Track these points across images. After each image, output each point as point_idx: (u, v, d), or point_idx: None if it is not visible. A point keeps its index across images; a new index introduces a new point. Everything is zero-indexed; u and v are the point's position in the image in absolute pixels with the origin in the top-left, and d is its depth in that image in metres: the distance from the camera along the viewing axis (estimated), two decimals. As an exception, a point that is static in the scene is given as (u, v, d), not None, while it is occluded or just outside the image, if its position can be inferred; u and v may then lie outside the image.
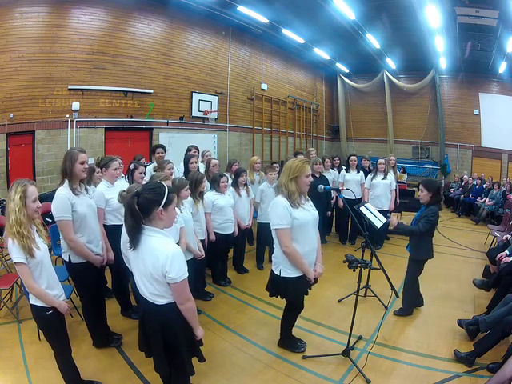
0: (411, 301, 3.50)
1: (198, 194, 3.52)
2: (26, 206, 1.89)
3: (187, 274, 1.70)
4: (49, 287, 1.98)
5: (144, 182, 3.19)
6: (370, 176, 5.58)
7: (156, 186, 1.74)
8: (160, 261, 1.62)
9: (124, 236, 2.23)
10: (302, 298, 2.71)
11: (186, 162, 4.31)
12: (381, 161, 5.51)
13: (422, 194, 3.24)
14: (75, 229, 2.46)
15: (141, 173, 3.31)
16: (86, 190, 2.63)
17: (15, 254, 1.83)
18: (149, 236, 1.69)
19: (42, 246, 1.96)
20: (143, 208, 1.68)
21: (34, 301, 1.95)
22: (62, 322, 2.09)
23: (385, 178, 5.43)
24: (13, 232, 1.84)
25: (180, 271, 1.65)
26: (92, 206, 2.64)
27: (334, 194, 5.59)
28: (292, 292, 2.55)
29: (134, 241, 1.70)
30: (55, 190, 2.49)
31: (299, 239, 2.45)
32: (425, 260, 3.37)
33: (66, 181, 2.45)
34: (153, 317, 1.76)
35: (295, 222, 2.40)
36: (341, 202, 5.48)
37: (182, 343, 1.77)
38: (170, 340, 1.76)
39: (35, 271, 1.91)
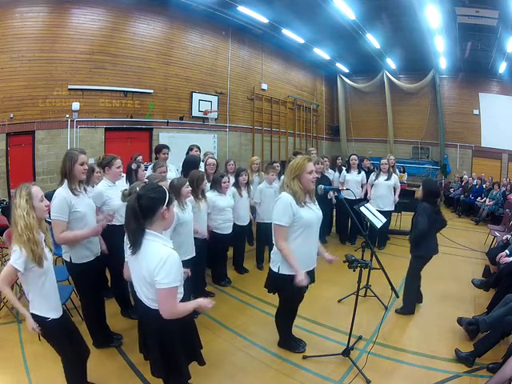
0: (412, 299, 3.51)
1: (200, 193, 3.51)
2: (34, 208, 1.86)
3: (176, 284, 1.60)
4: (49, 295, 1.94)
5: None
6: (372, 176, 5.59)
7: (156, 186, 1.73)
8: (153, 264, 1.58)
9: None
10: (302, 294, 2.70)
11: (192, 162, 4.06)
12: (383, 161, 5.50)
13: (419, 191, 3.55)
14: (77, 228, 2.45)
15: (143, 170, 3.30)
16: (85, 189, 2.62)
17: (17, 260, 1.76)
18: (149, 240, 1.65)
19: (48, 256, 1.92)
20: (148, 209, 1.64)
21: (32, 309, 1.88)
22: (64, 328, 2.02)
23: (388, 179, 5.42)
24: (23, 240, 1.77)
25: (167, 277, 1.56)
26: (91, 205, 2.64)
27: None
28: (291, 288, 2.53)
29: (137, 245, 1.65)
30: (55, 190, 2.48)
31: (301, 238, 2.44)
32: (427, 257, 3.38)
33: (66, 181, 2.45)
34: (149, 321, 1.74)
35: (301, 220, 2.39)
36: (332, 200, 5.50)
37: (179, 348, 1.76)
38: (166, 345, 1.74)
39: (39, 280, 1.88)
